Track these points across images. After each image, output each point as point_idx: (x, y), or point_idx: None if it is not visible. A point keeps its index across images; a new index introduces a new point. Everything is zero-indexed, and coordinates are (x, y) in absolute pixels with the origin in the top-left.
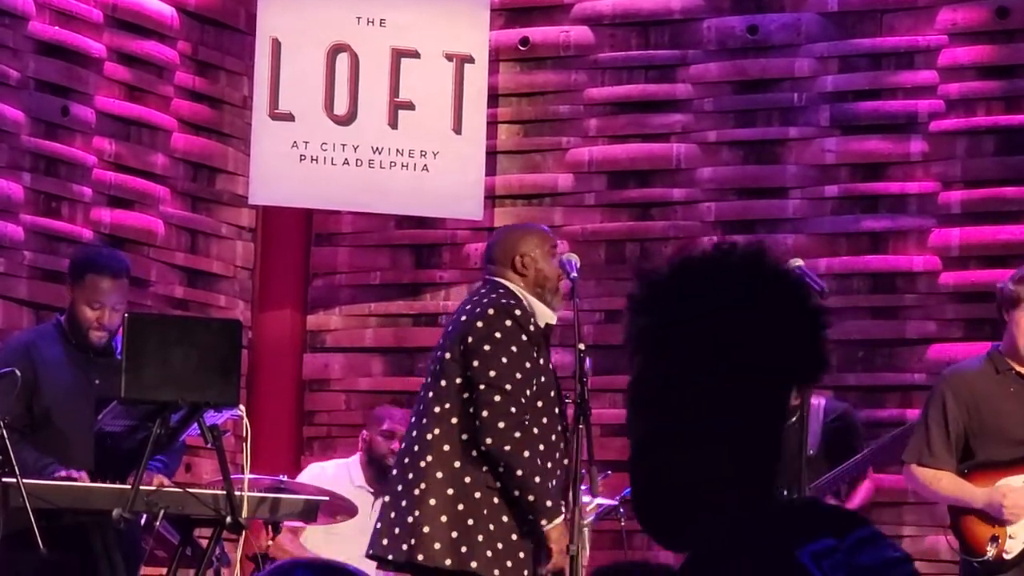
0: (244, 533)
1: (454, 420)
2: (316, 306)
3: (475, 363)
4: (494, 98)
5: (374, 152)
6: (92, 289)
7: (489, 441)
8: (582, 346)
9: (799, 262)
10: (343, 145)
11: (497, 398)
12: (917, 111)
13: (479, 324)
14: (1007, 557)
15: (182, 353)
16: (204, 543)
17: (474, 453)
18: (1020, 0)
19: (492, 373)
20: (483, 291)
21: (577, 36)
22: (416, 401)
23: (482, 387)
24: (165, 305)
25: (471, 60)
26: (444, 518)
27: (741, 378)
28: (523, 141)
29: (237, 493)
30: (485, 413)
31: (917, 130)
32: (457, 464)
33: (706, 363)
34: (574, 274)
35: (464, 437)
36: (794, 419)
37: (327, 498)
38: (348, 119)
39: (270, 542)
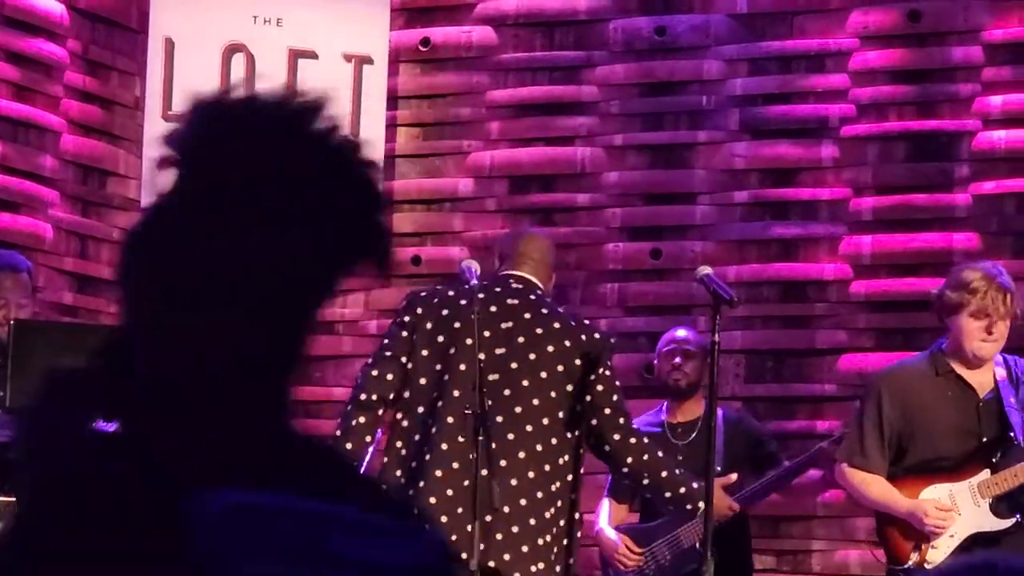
0: None
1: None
2: None
3: (599, 387)
4: (393, 100)
5: None
6: None
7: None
8: (482, 356)
9: (707, 269)
10: None
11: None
12: (828, 116)
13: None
14: (928, 567)
15: (70, 360)
16: None
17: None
18: (932, 3)
19: (616, 397)
20: (560, 308)
21: (480, 37)
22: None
23: (609, 411)
24: (54, 312)
25: (370, 61)
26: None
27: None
28: (423, 145)
29: None
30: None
31: (828, 135)
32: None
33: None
34: (474, 281)
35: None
36: (694, 434)
37: None
38: None
39: None
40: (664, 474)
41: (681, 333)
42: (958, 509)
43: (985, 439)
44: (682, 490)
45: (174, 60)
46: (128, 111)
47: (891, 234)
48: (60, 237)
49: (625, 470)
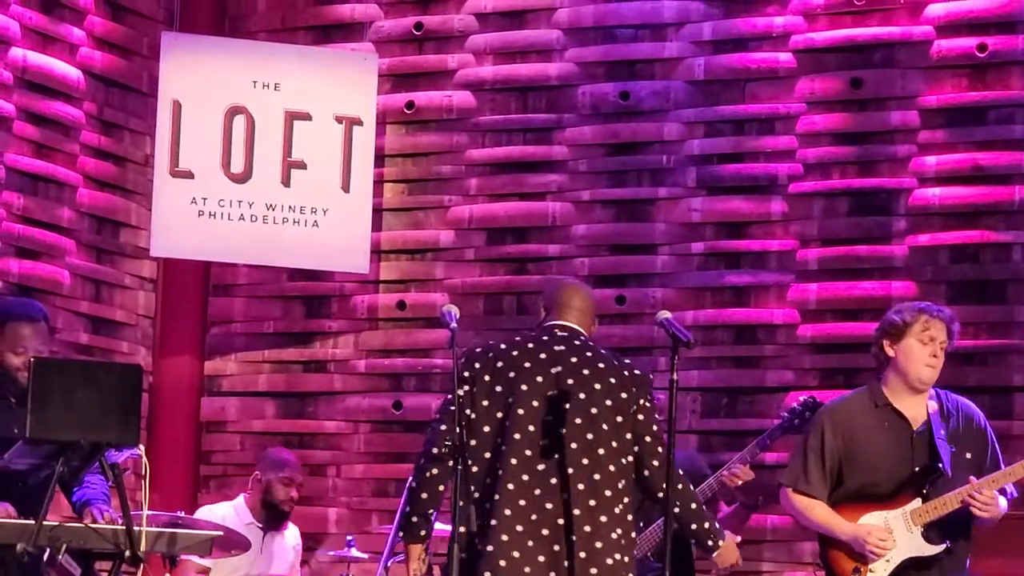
0: (142, 566)
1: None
2: (213, 352)
3: (641, 417)
4: (381, 158)
5: (268, 208)
6: (13, 336)
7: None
8: (461, 392)
9: (667, 314)
10: (239, 201)
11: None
12: (777, 174)
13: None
14: None
15: (85, 395)
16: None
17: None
18: (873, 72)
19: (656, 428)
20: (602, 350)
21: (460, 100)
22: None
23: (650, 439)
24: (70, 351)
25: (359, 123)
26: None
27: None
28: (407, 199)
29: (136, 528)
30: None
31: (777, 191)
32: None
33: None
34: (454, 324)
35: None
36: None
37: (221, 533)
38: (244, 177)
39: (167, 575)
40: (693, 506)
41: None
42: (893, 535)
43: (917, 468)
44: (706, 524)
45: (181, 121)
46: (139, 167)
47: (834, 282)
48: (76, 282)
49: (660, 495)
